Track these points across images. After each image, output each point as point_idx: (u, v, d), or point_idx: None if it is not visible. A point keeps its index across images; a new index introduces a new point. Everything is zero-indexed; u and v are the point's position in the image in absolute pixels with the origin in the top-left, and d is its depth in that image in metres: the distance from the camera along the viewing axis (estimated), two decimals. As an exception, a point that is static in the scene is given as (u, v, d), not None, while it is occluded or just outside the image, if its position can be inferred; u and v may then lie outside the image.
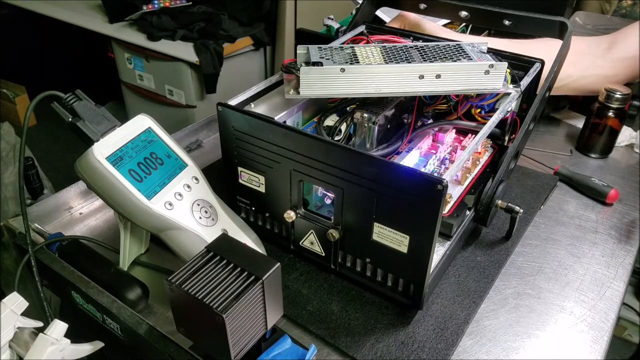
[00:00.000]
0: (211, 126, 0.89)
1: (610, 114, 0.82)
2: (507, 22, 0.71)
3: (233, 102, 0.58)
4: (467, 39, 0.78)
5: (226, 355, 0.41)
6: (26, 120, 0.56)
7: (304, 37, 0.94)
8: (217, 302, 0.39)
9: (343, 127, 0.64)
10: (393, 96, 0.62)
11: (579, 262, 0.64)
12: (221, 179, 0.63)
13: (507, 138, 0.68)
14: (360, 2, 0.82)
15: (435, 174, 0.48)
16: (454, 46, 0.61)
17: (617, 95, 0.80)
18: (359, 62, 0.57)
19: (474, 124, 0.66)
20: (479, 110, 0.67)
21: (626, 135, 0.88)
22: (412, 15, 0.88)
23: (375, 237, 0.52)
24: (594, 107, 0.83)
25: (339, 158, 0.50)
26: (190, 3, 1.87)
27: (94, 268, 0.57)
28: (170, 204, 0.54)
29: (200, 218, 0.56)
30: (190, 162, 0.59)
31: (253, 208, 0.62)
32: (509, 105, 0.61)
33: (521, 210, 0.62)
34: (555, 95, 0.95)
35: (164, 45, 1.74)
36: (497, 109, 0.60)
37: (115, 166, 0.52)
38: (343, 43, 0.72)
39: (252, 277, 0.41)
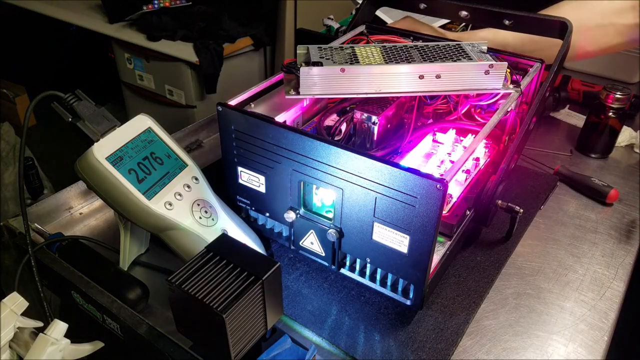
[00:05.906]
0: (211, 126, 0.89)
1: (610, 114, 0.82)
2: (507, 22, 0.71)
3: (233, 102, 0.58)
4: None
5: (226, 355, 0.41)
6: (26, 120, 0.56)
7: (304, 37, 0.94)
8: (217, 302, 0.39)
9: (343, 127, 0.64)
10: (393, 96, 0.62)
11: (579, 262, 0.64)
12: (221, 179, 0.63)
13: (507, 138, 0.68)
14: (360, 2, 0.82)
15: (435, 174, 0.48)
16: (454, 46, 0.61)
17: (617, 95, 0.80)
18: (359, 62, 0.57)
19: (474, 124, 0.66)
20: (479, 110, 0.67)
21: (626, 135, 0.88)
22: (419, 21, 0.88)
23: (375, 237, 0.52)
24: (594, 107, 0.83)
25: (339, 158, 0.50)
26: (190, 3, 1.87)
27: (94, 268, 0.57)
28: (170, 204, 0.54)
29: (200, 218, 0.56)
30: (190, 162, 0.59)
31: (253, 208, 0.62)
32: (509, 105, 0.61)
33: (521, 210, 0.62)
34: (557, 88, 0.95)
35: (164, 45, 1.73)
36: (497, 109, 0.60)
37: (115, 166, 0.52)
38: (343, 43, 0.72)
39: (252, 277, 0.41)
